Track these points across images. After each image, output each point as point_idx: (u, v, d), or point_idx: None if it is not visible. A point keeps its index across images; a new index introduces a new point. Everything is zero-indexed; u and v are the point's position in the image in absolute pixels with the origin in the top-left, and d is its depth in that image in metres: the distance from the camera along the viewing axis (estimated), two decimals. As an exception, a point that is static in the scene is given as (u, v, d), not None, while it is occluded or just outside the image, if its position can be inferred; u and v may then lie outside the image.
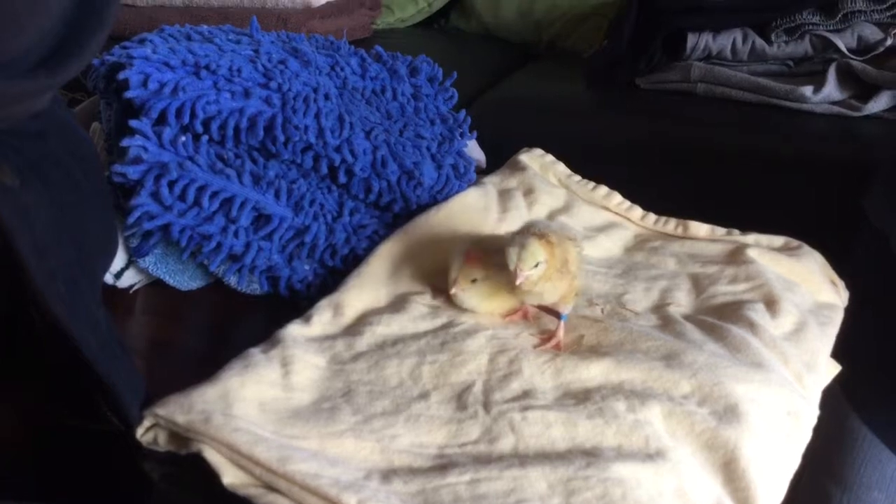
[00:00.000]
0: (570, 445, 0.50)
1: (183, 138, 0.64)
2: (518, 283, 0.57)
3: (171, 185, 0.62)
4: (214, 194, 0.64)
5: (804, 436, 0.56)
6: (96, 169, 0.61)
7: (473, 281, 0.62)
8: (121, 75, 0.64)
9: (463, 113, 0.83)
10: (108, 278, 0.69)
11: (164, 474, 0.51)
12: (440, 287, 0.65)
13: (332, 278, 0.69)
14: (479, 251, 0.62)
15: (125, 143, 0.62)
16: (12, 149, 0.49)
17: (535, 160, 0.87)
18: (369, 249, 0.70)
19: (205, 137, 0.66)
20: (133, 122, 0.63)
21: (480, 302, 0.62)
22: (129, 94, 0.64)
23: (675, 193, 0.89)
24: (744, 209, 0.86)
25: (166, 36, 0.74)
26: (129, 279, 0.70)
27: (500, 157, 0.89)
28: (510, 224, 0.74)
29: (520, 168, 0.85)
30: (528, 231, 0.58)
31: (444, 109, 0.82)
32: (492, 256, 0.61)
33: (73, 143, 0.58)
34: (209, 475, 0.48)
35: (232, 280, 0.69)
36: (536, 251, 0.57)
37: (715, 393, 0.54)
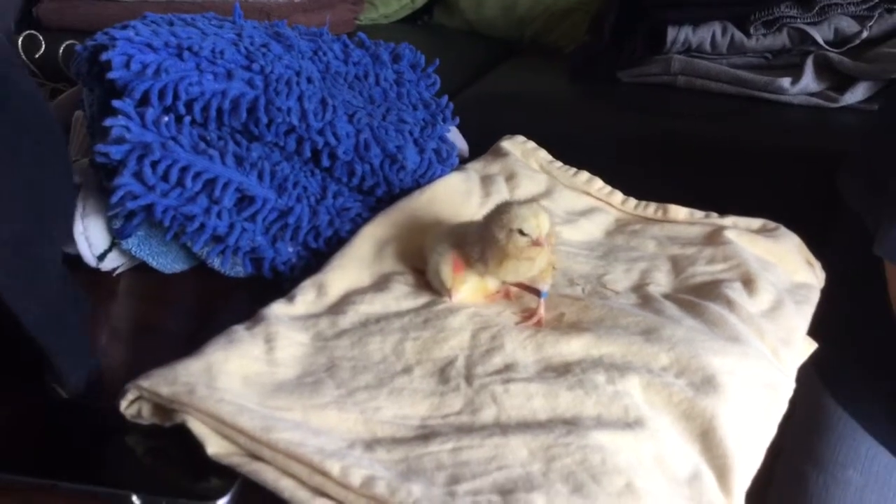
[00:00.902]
0: (551, 415, 0.51)
1: (166, 119, 0.64)
2: (544, 249, 0.57)
3: (153, 165, 0.63)
4: (197, 175, 0.64)
5: (780, 407, 0.57)
6: (55, 134, 0.59)
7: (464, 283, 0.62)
8: (103, 56, 0.64)
9: (445, 98, 0.84)
10: (91, 260, 0.69)
11: (148, 448, 0.51)
12: (422, 269, 0.66)
13: (315, 260, 0.70)
14: (461, 255, 0.62)
15: (108, 122, 0.62)
16: None
17: (517, 146, 0.87)
18: (352, 232, 0.70)
19: (188, 118, 0.66)
20: (116, 103, 0.63)
21: (468, 296, 0.63)
22: (111, 75, 0.64)
23: (658, 184, 0.90)
24: (724, 198, 0.87)
25: (148, 22, 0.74)
26: (113, 262, 0.70)
27: (484, 151, 0.89)
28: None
29: (502, 154, 0.86)
30: (515, 204, 0.59)
31: (426, 95, 0.83)
32: (472, 248, 0.61)
33: (28, 108, 0.56)
34: (193, 447, 0.48)
35: (216, 262, 0.69)
36: (546, 215, 0.58)
37: (692, 365, 0.55)
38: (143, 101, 0.65)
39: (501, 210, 0.59)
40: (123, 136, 0.62)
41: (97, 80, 0.70)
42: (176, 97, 0.65)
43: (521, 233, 0.58)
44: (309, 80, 0.70)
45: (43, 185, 0.53)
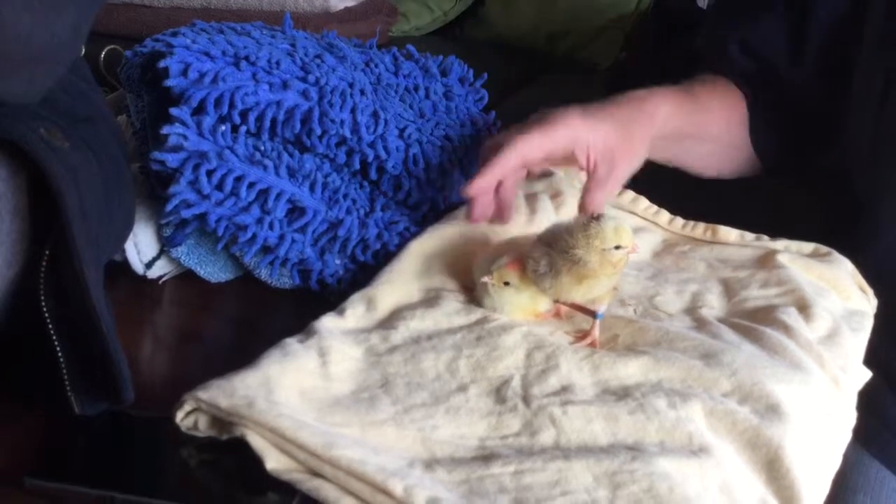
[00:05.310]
0: (613, 440, 0.50)
1: (222, 128, 0.64)
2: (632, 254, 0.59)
3: (209, 174, 0.62)
4: (251, 185, 0.64)
5: (844, 437, 0.56)
6: (128, 159, 0.62)
7: (506, 283, 0.61)
8: (161, 63, 0.64)
9: (493, 114, 0.83)
10: (139, 268, 0.69)
11: (202, 461, 0.50)
12: (471, 286, 0.65)
13: (362, 273, 0.69)
14: (520, 262, 0.62)
15: (165, 130, 0.62)
16: (63, 120, 0.50)
17: (562, 164, 0.87)
18: (400, 246, 0.69)
19: (243, 128, 0.66)
20: (173, 110, 0.63)
21: (512, 310, 0.62)
22: (169, 83, 0.64)
23: (695, 204, 0.89)
24: (765, 222, 0.86)
25: (198, 30, 0.74)
26: (159, 269, 0.70)
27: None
28: (538, 226, 0.74)
29: (545, 172, 0.85)
30: (595, 224, 0.58)
31: (474, 110, 0.82)
32: (542, 279, 0.60)
33: (117, 133, 0.59)
34: (249, 461, 0.47)
35: (263, 273, 0.69)
36: (625, 223, 0.59)
37: (755, 392, 0.54)
38: (199, 110, 0.64)
39: (589, 234, 0.58)
40: (181, 143, 0.62)
41: (148, 87, 0.70)
42: (232, 106, 0.65)
43: (618, 247, 0.58)
44: (362, 93, 0.70)
45: (117, 199, 0.54)
